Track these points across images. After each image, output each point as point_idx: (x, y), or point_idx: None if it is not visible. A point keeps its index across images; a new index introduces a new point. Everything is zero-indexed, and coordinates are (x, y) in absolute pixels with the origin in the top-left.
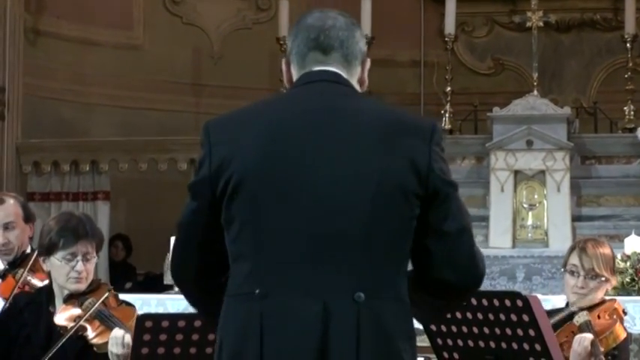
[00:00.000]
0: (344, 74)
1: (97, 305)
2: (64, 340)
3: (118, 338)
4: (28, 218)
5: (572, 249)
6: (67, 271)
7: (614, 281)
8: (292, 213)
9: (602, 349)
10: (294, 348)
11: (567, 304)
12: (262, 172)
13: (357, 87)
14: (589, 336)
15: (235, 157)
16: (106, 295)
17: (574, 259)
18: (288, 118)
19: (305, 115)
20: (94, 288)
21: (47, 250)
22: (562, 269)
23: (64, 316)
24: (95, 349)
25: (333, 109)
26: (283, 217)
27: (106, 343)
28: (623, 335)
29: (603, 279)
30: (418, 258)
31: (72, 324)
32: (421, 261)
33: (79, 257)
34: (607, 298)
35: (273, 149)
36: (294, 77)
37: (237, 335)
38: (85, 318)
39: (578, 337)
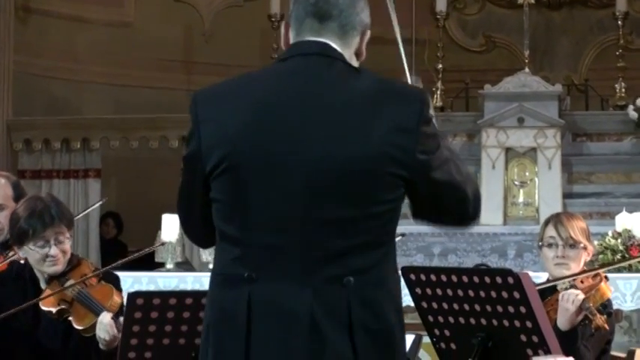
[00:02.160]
0: (337, 46)
1: (76, 286)
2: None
3: (106, 325)
4: (20, 197)
5: (546, 223)
6: (41, 257)
7: (592, 249)
8: (280, 197)
9: (591, 304)
10: (282, 334)
11: (548, 280)
12: (249, 157)
13: (352, 59)
14: (578, 291)
15: (222, 140)
16: (86, 274)
17: (550, 232)
18: (274, 96)
19: (290, 94)
20: (74, 265)
21: (18, 239)
22: (539, 244)
23: (48, 299)
24: (81, 332)
25: (319, 89)
26: (271, 200)
27: (91, 326)
28: (609, 293)
29: (582, 245)
30: (415, 209)
31: (56, 308)
32: (418, 211)
33: (52, 242)
34: (586, 268)
35: (258, 133)
36: (291, 40)
37: (223, 317)
38: (66, 301)
39: (565, 292)
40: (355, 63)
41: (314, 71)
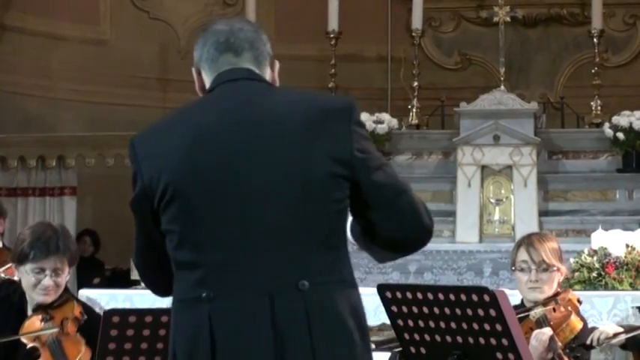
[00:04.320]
0: (256, 71)
1: (54, 331)
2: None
3: None
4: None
5: (518, 246)
6: (34, 283)
7: (564, 270)
8: (227, 216)
9: (559, 343)
10: (246, 345)
11: (522, 302)
12: (192, 180)
13: None
14: (547, 331)
15: (164, 169)
16: (67, 317)
17: (522, 256)
18: (209, 122)
19: (225, 116)
20: (63, 301)
21: (18, 259)
22: (512, 268)
23: (26, 331)
24: None
25: (252, 106)
26: (219, 221)
27: None
28: (579, 326)
29: (555, 269)
30: (365, 226)
31: (30, 344)
32: (368, 228)
33: (48, 272)
34: (560, 289)
35: (199, 156)
36: (207, 83)
37: (188, 340)
38: (41, 342)
39: (535, 332)
40: None
41: (244, 94)
